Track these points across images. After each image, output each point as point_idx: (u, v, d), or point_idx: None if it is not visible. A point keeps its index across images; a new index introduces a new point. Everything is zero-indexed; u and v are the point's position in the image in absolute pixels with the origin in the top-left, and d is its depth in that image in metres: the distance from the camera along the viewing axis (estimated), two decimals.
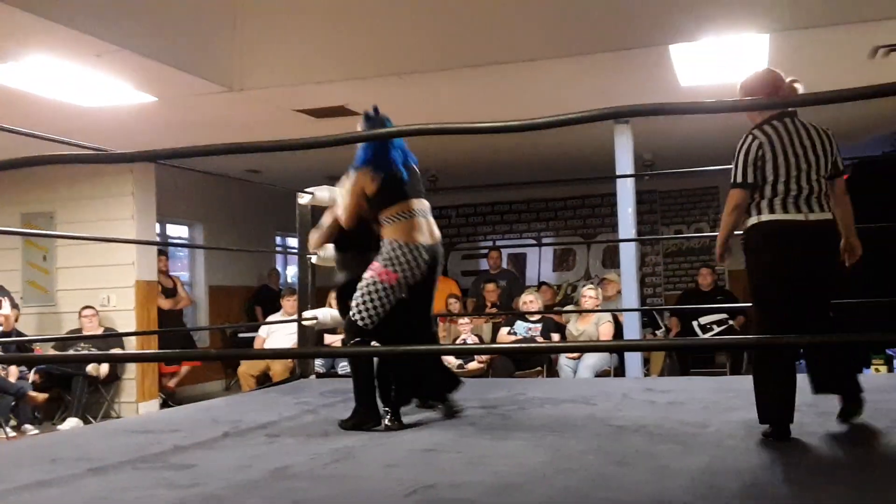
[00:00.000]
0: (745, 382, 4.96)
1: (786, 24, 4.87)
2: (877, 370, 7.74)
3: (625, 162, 6.71)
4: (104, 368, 7.50)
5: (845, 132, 8.16)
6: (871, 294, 8.12)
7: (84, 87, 5.51)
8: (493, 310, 8.38)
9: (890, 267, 8.43)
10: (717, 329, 7.97)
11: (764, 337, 3.39)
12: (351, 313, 3.70)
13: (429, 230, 3.77)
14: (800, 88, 3.53)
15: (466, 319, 7.91)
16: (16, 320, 7.34)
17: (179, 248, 10.32)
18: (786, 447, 2.95)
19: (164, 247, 8.99)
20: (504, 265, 10.36)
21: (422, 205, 3.79)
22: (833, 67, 5.60)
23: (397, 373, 3.77)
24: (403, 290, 3.70)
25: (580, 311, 7.38)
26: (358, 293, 3.68)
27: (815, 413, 3.58)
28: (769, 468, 2.67)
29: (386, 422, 3.65)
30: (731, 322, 8.07)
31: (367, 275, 3.68)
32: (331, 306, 7.35)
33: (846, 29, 4.90)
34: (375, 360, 3.79)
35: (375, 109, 3.91)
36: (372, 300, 3.64)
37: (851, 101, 3.58)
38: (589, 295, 7.42)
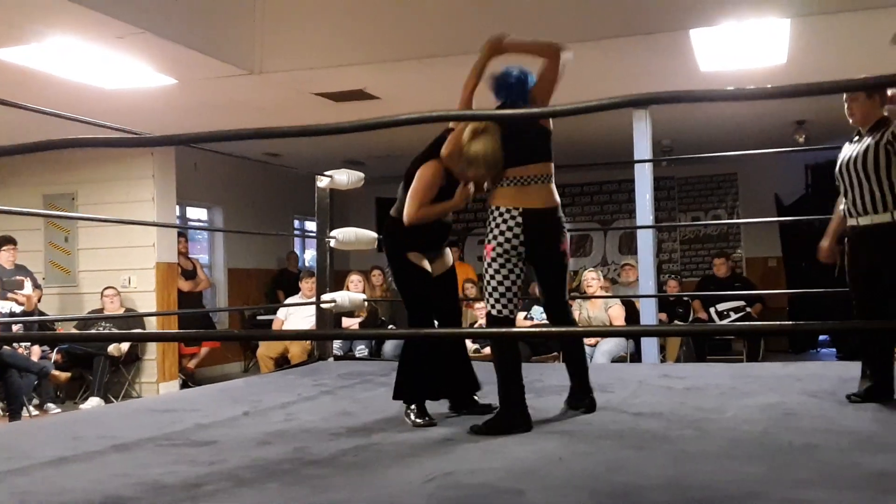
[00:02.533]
0: (762, 369, 4.99)
1: (807, 9, 4.83)
2: None
3: (643, 147, 6.69)
4: (124, 347, 7.58)
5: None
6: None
7: (105, 68, 5.55)
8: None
9: None
10: (734, 316, 7.96)
11: (787, 324, 3.45)
12: (487, 306, 3.32)
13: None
14: None
15: (482, 304, 7.91)
16: (38, 301, 7.43)
17: (199, 231, 10.39)
18: (804, 431, 2.96)
19: (183, 229, 9.06)
20: None
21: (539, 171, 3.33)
22: (854, 53, 5.56)
23: (425, 363, 3.49)
24: (515, 260, 3.24)
25: (601, 297, 7.38)
26: (485, 282, 3.31)
27: (833, 399, 3.59)
28: (787, 452, 2.68)
29: (414, 418, 3.39)
30: (748, 309, 8.05)
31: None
32: (348, 289, 7.41)
33: (868, 14, 4.85)
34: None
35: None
36: (500, 283, 3.25)
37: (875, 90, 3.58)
38: (591, 277, 7.42)
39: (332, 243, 5.51)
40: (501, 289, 3.24)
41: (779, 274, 10.15)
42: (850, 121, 3.60)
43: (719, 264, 8.70)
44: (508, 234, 3.21)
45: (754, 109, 7.48)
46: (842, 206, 3.65)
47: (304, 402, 4.11)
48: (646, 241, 6.78)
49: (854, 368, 4.44)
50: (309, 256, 11.48)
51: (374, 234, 5.74)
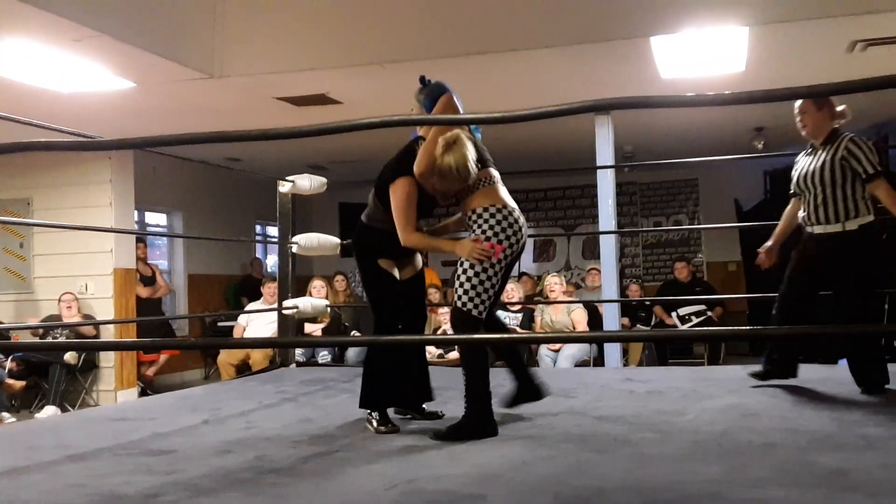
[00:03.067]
0: (722, 371, 5.04)
1: (765, 18, 4.90)
2: None
3: (605, 153, 6.74)
4: (74, 355, 7.44)
5: None
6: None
7: (62, 72, 5.45)
8: None
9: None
10: (695, 320, 8.05)
11: (745, 329, 3.64)
12: (456, 301, 3.22)
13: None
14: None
15: (447, 309, 7.91)
16: None
17: (158, 237, 10.25)
18: (763, 431, 2.99)
19: (142, 235, 8.93)
20: None
21: (497, 174, 3.38)
22: (812, 61, 5.65)
23: (390, 370, 3.47)
24: (506, 262, 3.23)
25: (563, 302, 7.40)
26: (461, 277, 3.20)
27: (792, 400, 3.63)
28: (746, 453, 2.70)
29: (376, 425, 3.36)
30: (709, 313, 8.14)
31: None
32: (310, 295, 7.35)
33: (825, 23, 4.94)
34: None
35: (422, 79, 3.53)
36: (481, 282, 3.17)
37: (830, 97, 3.64)
38: (554, 282, 7.46)
39: (294, 249, 5.46)
40: (482, 288, 3.17)
41: (739, 278, 10.29)
42: (803, 133, 3.84)
43: (680, 268, 8.80)
44: (510, 232, 3.19)
45: (714, 116, 7.58)
46: (801, 213, 3.85)
47: (265, 409, 4.06)
48: (608, 246, 6.82)
49: (813, 370, 4.52)
50: (272, 262, 11.39)
51: (337, 240, 5.70)
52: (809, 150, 3.88)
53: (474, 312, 3.18)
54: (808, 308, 3.88)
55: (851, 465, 2.51)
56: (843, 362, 8.03)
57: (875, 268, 3.76)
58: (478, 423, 3.13)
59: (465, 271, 3.18)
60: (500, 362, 3.94)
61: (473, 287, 3.16)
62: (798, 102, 3.83)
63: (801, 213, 3.87)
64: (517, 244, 3.22)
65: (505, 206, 3.23)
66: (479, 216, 3.21)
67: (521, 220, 3.27)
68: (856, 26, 5.01)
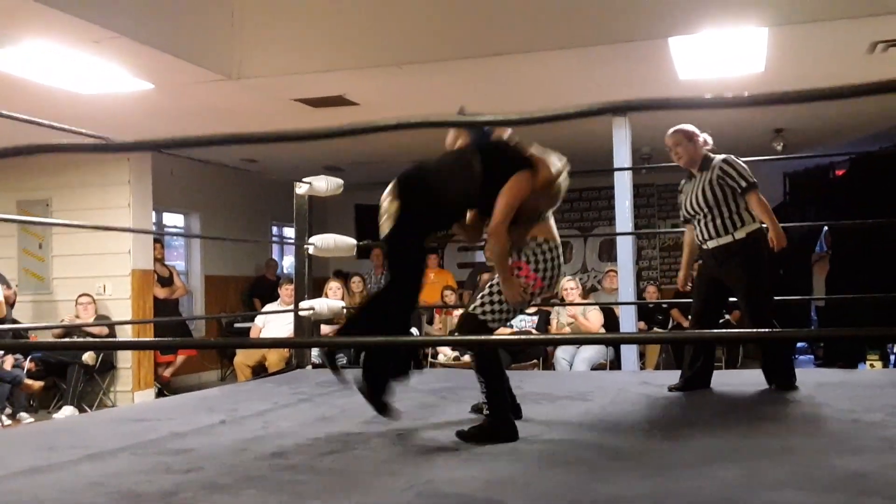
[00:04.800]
0: (739, 375, 5.00)
1: (785, 18, 4.87)
2: (871, 365, 7.78)
3: (622, 155, 6.70)
4: (92, 356, 7.49)
5: (843, 127, 8.18)
6: (867, 290, 8.16)
7: (82, 73, 5.49)
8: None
9: (888, 262, 8.47)
10: None
11: (763, 331, 3.74)
12: (473, 306, 3.25)
13: None
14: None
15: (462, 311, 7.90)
16: (11, 305, 7.32)
17: (176, 238, 10.30)
18: (781, 435, 2.96)
19: (160, 236, 8.97)
20: None
21: None
22: (832, 62, 5.61)
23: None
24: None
25: (577, 304, 7.38)
26: (493, 289, 3.23)
27: (809, 403, 3.60)
28: (764, 457, 2.68)
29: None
30: (727, 316, 8.08)
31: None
32: (327, 296, 7.36)
33: (845, 24, 4.90)
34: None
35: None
36: (500, 298, 3.21)
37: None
38: (570, 287, 7.43)
39: (311, 250, 5.47)
40: (505, 307, 3.21)
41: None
42: (680, 163, 4.19)
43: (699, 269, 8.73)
44: (554, 271, 3.25)
45: (733, 117, 7.53)
46: (696, 235, 4.22)
47: (282, 409, 4.06)
48: (625, 249, 6.79)
49: (830, 374, 4.49)
50: (288, 263, 11.42)
51: (353, 241, 5.71)
52: (688, 178, 4.25)
53: (489, 323, 3.22)
54: (718, 319, 4.47)
55: (870, 467, 2.49)
56: (863, 366, 8.03)
57: (768, 268, 4.11)
58: (500, 426, 3.11)
59: (498, 290, 3.21)
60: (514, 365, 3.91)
61: (499, 302, 3.20)
62: (669, 137, 4.19)
63: (696, 235, 4.23)
64: (554, 280, 3.28)
65: (557, 244, 3.28)
66: (539, 246, 3.24)
67: (562, 256, 3.32)
68: (876, 27, 4.97)
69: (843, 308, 9.01)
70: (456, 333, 7.50)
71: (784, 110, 6.92)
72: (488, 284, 3.26)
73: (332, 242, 5.53)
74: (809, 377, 4.56)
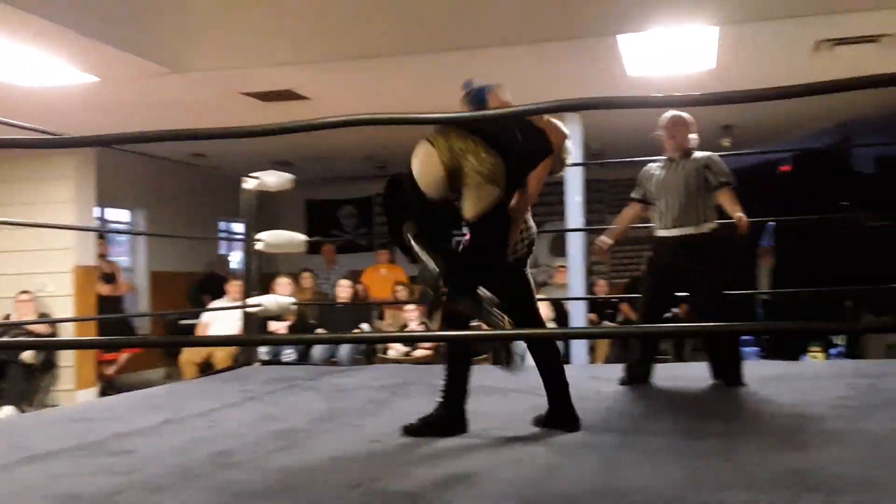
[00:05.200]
0: (686, 369, 5.06)
1: (734, 17, 4.93)
2: (814, 357, 7.95)
3: (573, 151, 6.73)
4: (33, 354, 7.29)
5: (789, 124, 8.34)
6: (810, 283, 8.35)
7: (24, 66, 5.33)
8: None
9: (830, 256, 8.67)
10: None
11: (709, 325, 3.76)
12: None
13: None
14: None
15: (413, 307, 7.88)
16: None
17: (120, 234, 10.09)
18: (724, 433, 3.00)
19: (103, 232, 8.77)
20: None
21: None
22: (780, 60, 5.70)
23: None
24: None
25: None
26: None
27: (753, 398, 3.65)
28: (710, 454, 2.70)
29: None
30: (675, 310, 8.18)
31: None
32: (275, 293, 7.27)
33: (793, 22, 4.98)
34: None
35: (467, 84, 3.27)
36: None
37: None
38: None
39: (259, 246, 5.39)
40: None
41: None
42: (669, 144, 4.23)
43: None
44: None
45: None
46: (655, 219, 4.26)
47: (228, 408, 4.00)
48: (576, 244, 6.83)
49: (773, 367, 4.57)
50: (236, 259, 11.27)
51: (303, 237, 5.65)
52: (665, 163, 4.29)
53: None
54: (667, 310, 4.52)
55: (812, 463, 2.53)
56: (806, 357, 8.20)
57: (728, 265, 4.28)
58: (448, 420, 3.09)
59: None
60: (482, 358, 3.82)
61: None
62: (674, 115, 4.22)
63: (655, 219, 4.26)
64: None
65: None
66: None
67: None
68: (822, 26, 5.06)
69: (788, 301, 9.20)
70: (413, 330, 7.46)
71: (731, 108, 7.01)
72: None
73: (280, 238, 5.46)
74: (754, 370, 4.63)
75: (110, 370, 8.24)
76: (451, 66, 5.69)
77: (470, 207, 2.85)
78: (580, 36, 5.19)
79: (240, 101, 6.46)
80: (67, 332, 7.62)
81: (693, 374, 4.42)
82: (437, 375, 4.80)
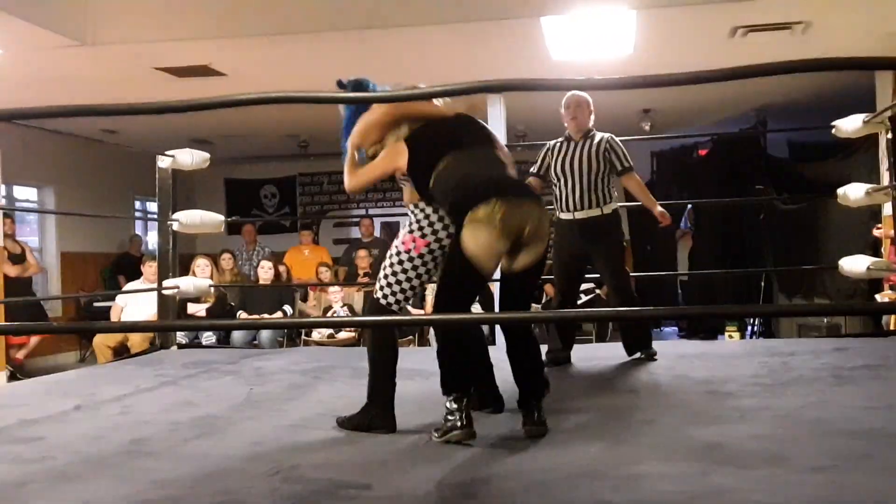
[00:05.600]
0: (608, 349, 5.15)
1: (652, 2, 5.00)
2: (730, 336, 8.20)
3: (497, 132, 6.68)
4: None
5: (707, 109, 8.52)
6: (726, 264, 8.59)
7: None
8: (365, 279, 8.31)
9: (745, 238, 8.93)
10: (584, 298, 8.20)
11: (633, 309, 3.86)
12: (376, 290, 3.06)
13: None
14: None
15: (337, 288, 7.81)
16: None
17: (28, 213, 9.70)
18: (643, 408, 3.05)
19: (10, 211, 8.40)
20: (377, 233, 10.28)
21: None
22: (696, 45, 5.81)
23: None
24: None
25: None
26: (386, 268, 3.03)
27: (670, 375, 3.73)
28: (627, 430, 2.75)
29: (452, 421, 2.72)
30: (597, 291, 8.32)
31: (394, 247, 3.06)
32: (194, 274, 7.10)
33: (708, 9, 5.09)
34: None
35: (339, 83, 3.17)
36: (399, 275, 3.00)
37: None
38: None
39: (175, 226, 5.24)
40: (403, 286, 3.00)
41: (626, 256, 10.53)
42: (570, 124, 4.26)
43: None
44: (438, 227, 2.99)
45: (603, 97, 7.67)
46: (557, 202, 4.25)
47: (143, 393, 3.88)
48: None
49: (691, 346, 4.67)
50: (152, 240, 10.98)
51: (221, 217, 5.51)
52: (563, 142, 4.31)
53: (393, 306, 3.03)
54: (579, 291, 4.61)
55: (725, 437, 2.60)
56: (723, 337, 8.44)
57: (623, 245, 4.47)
58: (375, 417, 2.96)
59: (390, 265, 3.02)
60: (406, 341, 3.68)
61: (397, 282, 3.00)
62: (576, 95, 4.21)
63: (556, 200, 4.26)
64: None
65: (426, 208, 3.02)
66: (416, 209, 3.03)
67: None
68: (736, 13, 5.18)
69: (705, 282, 9.46)
70: (336, 313, 7.38)
71: (651, 92, 7.13)
72: (382, 266, 3.06)
73: (197, 218, 5.32)
74: (671, 349, 4.74)
75: (20, 354, 7.93)
76: (374, 44, 5.62)
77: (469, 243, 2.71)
78: (504, 17, 5.19)
79: (154, 75, 6.27)
80: None
81: (612, 354, 4.49)
82: (361, 358, 4.77)
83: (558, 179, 4.24)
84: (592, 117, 4.29)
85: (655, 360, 4.21)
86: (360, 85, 3.12)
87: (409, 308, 3.21)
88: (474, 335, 3.10)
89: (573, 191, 4.17)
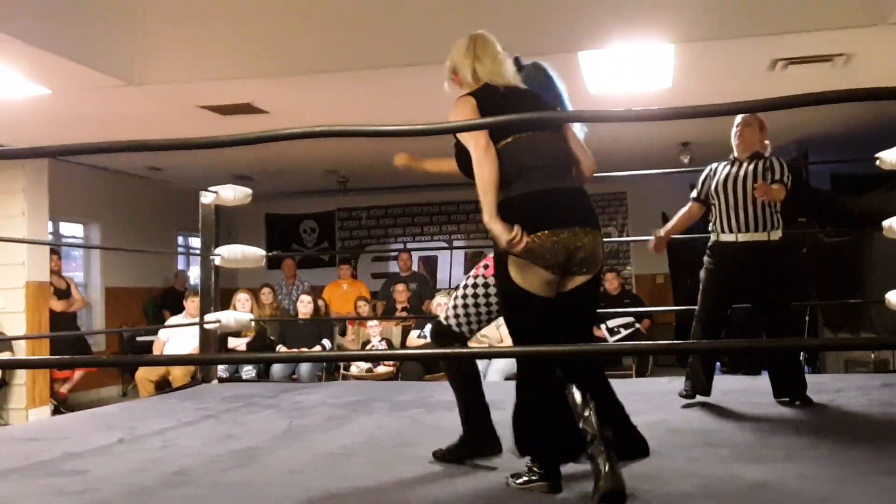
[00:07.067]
0: (649, 384, 5.08)
1: (690, 36, 4.99)
2: None
3: None
4: None
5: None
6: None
7: None
8: (403, 313, 8.32)
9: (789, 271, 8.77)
10: (624, 332, 8.11)
11: (671, 343, 3.69)
12: (442, 316, 2.99)
13: None
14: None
15: (375, 322, 7.83)
16: None
17: (74, 248, 9.89)
18: (686, 446, 3.00)
19: (57, 246, 8.59)
20: (415, 268, 10.32)
21: None
22: (735, 78, 5.78)
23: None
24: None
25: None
26: (458, 292, 2.96)
27: (714, 412, 3.67)
28: (671, 468, 2.70)
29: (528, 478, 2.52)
30: (637, 325, 8.23)
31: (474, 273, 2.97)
32: (235, 308, 7.17)
33: (748, 42, 5.06)
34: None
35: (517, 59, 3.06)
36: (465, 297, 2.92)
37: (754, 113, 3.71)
38: (442, 302, 7.40)
39: (218, 261, 5.31)
40: (473, 310, 2.92)
41: (666, 290, 10.44)
42: (738, 145, 3.96)
43: (611, 279, 8.86)
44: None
45: (642, 130, 7.69)
46: (719, 221, 3.93)
47: (185, 427, 3.91)
48: None
49: (736, 381, 4.59)
50: (194, 275, 11.13)
51: (262, 252, 5.58)
52: (730, 162, 4.01)
53: (459, 327, 2.94)
54: (726, 320, 4.03)
55: (770, 476, 2.54)
56: (766, 373, 8.27)
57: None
58: (478, 441, 2.89)
59: (463, 286, 2.96)
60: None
61: (463, 306, 2.92)
62: (745, 117, 3.96)
63: (716, 222, 3.95)
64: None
65: None
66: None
67: None
68: (776, 46, 5.14)
69: (747, 316, 9.29)
70: (375, 347, 7.40)
71: (689, 125, 7.10)
72: (454, 295, 2.99)
73: (239, 253, 5.39)
74: (714, 384, 4.66)
75: (64, 388, 8.05)
76: (411, 81, 5.68)
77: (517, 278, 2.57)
78: (541, 53, 5.20)
79: (197, 114, 6.39)
80: (20, 349, 7.42)
81: (651, 390, 4.43)
82: (399, 391, 4.78)
83: (718, 199, 3.93)
84: (765, 140, 4.01)
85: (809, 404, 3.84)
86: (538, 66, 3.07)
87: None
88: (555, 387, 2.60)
89: (733, 211, 3.86)
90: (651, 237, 4.24)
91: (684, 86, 5.81)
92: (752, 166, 3.90)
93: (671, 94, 5.94)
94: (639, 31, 4.97)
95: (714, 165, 4.09)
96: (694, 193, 4.12)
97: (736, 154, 4.01)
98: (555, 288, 2.59)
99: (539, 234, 2.48)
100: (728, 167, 3.99)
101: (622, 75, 5.66)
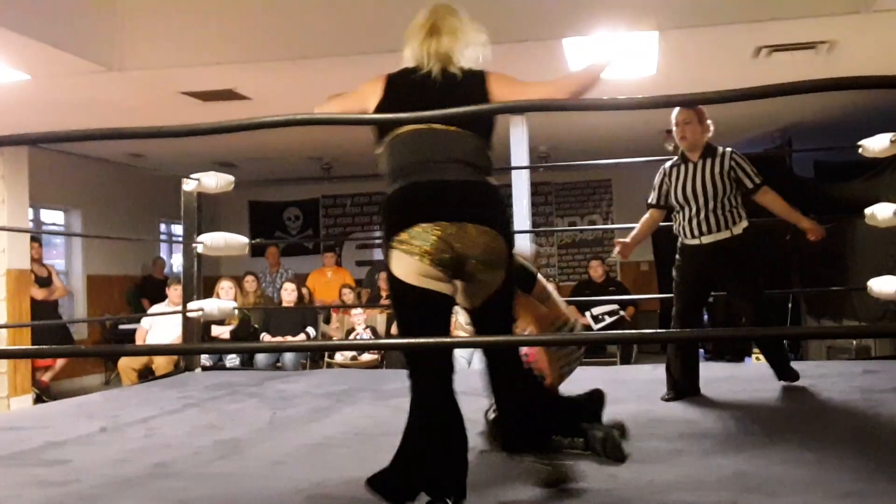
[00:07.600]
0: (633, 372, 5.10)
1: (675, 23, 4.98)
2: (757, 359, 8.09)
3: (520, 154, 6.74)
4: None
5: (731, 129, 8.47)
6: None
7: None
8: (388, 301, 8.31)
9: (771, 259, 8.82)
10: (608, 319, 8.14)
11: (655, 332, 3.70)
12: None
13: None
14: None
15: (360, 310, 7.82)
16: None
17: (55, 236, 9.81)
18: (669, 437, 3.01)
19: (37, 234, 8.50)
20: None
21: None
22: (720, 66, 5.78)
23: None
24: None
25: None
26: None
27: (696, 402, 3.68)
28: (654, 459, 2.71)
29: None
30: (622, 312, 8.26)
31: None
32: (218, 296, 7.13)
33: (732, 29, 5.06)
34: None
35: None
36: None
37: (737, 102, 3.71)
38: None
39: (200, 249, 5.27)
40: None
41: (651, 277, 10.48)
42: (681, 144, 3.87)
43: (595, 267, 8.87)
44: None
45: (627, 118, 7.69)
46: (680, 226, 3.89)
47: (168, 415, 3.89)
48: (523, 246, 6.82)
49: (719, 369, 4.61)
50: (177, 263, 11.06)
51: (245, 240, 5.54)
52: (679, 163, 3.91)
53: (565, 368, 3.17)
54: (701, 317, 4.11)
55: (752, 465, 2.56)
56: (749, 360, 8.33)
57: (762, 265, 4.05)
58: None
59: None
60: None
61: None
62: (678, 112, 3.84)
63: (680, 226, 3.89)
64: None
65: None
66: None
67: None
68: (760, 33, 5.15)
69: (730, 303, 9.34)
70: (360, 336, 7.35)
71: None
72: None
73: (222, 241, 5.35)
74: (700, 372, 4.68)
75: (45, 377, 7.99)
76: (394, 66, 5.65)
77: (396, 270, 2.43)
78: (525, 39, 5.19)
79: (179, 100, 6.33)
80: (0, 338, 7.35)
81: (634, 377, 4.44)
82: (383, 380, 4.77)
83: (680, 205, 3.86)
84: (708, 129, 3.88)
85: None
86: None
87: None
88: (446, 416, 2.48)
89: (694, 214, 3.80)
90: (624, 239, 4.27)
91: (669, 73, 5.81)
92: (708, 168, 3.80)
93: (656, 81, 5.94)
94: (623, 19, 4.86)
95: (666, 168, 3.99)
96: (651, 199, 4.04)
97: (685, 153, 3.89)
98: (438, 284, 2.35)
99: (417, 227, 2.30)
100: (682, 169, 3.87)
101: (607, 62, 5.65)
